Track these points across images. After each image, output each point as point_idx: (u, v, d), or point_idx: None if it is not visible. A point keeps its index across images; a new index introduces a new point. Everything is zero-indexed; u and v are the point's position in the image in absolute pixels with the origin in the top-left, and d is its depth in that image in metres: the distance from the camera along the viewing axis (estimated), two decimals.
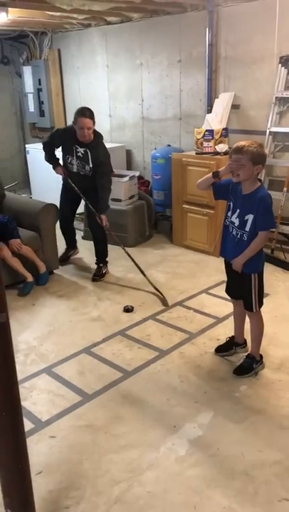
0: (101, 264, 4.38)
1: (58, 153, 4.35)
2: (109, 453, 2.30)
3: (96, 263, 4.41)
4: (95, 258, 4.42)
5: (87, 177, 4.18)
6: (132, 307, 3.71)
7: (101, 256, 4.40)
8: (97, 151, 4.10)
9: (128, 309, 3.69)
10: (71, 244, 4.76)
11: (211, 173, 2.74)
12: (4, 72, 7.21)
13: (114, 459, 2.26)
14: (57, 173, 4.33)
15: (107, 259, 4.44)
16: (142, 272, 4.11)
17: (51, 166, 4.35)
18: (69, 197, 4.43)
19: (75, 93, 6.60)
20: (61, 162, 4.34)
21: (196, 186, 2.87)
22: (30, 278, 4.03)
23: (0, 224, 3.99)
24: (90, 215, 4.30)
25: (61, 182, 4.47)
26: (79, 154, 4.11)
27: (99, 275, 4.31)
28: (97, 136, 4.14)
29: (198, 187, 2.86)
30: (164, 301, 3.82)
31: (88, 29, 6.04)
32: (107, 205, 4.20)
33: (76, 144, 4.08)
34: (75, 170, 4.21)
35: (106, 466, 2.22)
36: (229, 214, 2.74)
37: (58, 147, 4.29)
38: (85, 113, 3.95)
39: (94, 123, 4.02)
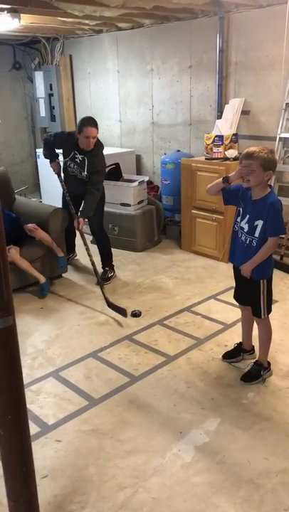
0: (106, 268, 4.40)
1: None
2: (115, 458, 2.29)
3: (102, 267, 4.43)
4: (101, 262, 4.45)
5: (83, 182, 4.23)
6: (140, 312, 3.71)
7: (105, 259, 4.43)
8: (95, 159, 4.16)
9: (136, 314, 3.69)
10: (69, 248, 4.70)
11: (221, 178, 2.74)
12: (16, 78, 7.29)
13: (119, 464, 2.25)
14: (51, 167, 4.42)
15: (113, 263, 4.45)
16: (97, 276, 4.10)
17: (48, 160, 4.43)
18: (70, 200, 4.43)
19: (86, 98, 6.64)
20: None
21: (206, 191, 2.86)
22: (42, 279, 4.04)
23: (11, 220, 4.05)
24: (92, 219, 4.33)
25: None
26: (77, 160, 4.19)
27: (104, 279, 4.33)
28: (98, 146, 4.19)
29: (208, 192, 2.85)
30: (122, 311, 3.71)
31: (99, 35, 6.08)
32: (90, 211, 4.15)
33: (76, 150, 4.16)
34: (72, 173, 4.28)
35: (111, 471, 2.22)
36: (238, 219, 2.73)
37: (57, 148, 4.36)
38: (91, 123, 4.05)
39: (98, 132, 4.11)
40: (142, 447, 2.35)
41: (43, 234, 4.10)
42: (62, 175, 4.39)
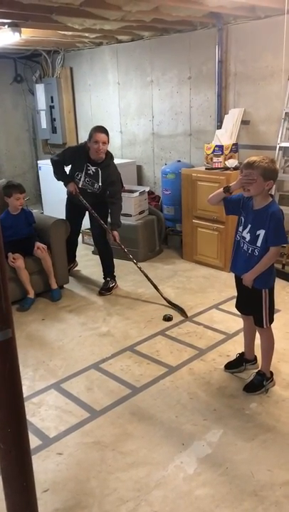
0: (108, 279, 4.39)
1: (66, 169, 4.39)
2: (117, 471, 2.27)
3: (104, 277, 4.43)
4: (103, 273, 4.45)
5: (94, 194, 4.24)
6: (172, 316, 3.76)
7: (107, 270, 4.43)
8: (108, 170, 4.17)
9: (169, 318, 3.74)
10: (70, 258, 4.66)
11: (222, 188, 2.75)
12: (18, 90, 7.35)
13: (121, 478, 2.23)
14: (69, 189, 4.31)
15: (114, 273, 4.46)
16: (156, 288, 4.11)
17: (63, 183, 4.35)
18: (75, 211, 4.47)
19: (87, 110, 6.69)
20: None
21: (207, 201, 2.87)
22: (31, 294, 4.07)
23: (27, 235, 4.13)
24: (95, 230, 4.33)
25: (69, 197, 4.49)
26: (90, 172, 4.16)
27: (105, 289, 4.33)
28: (109, 157, 4.21)
29: (210, 202, 2.85)
30: (183, 313, 3.84)
31: (100, 47, 6.14)
32: (119, 221, 4.25)
33: (88, 162, 4.14)
34: (81, 186, 4.24)
35: (113, 484, 2.19)
36: (240, 229, 2.73)
37: (68, 165, 4.30)
38: (101, 129, 4.06)
39: (108, 141, 4.10)
40: (144, 460, 2.33)
41: (48, 258, 4.13)
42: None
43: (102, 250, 4.44)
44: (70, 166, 4.30)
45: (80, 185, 4.24)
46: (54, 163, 4.33)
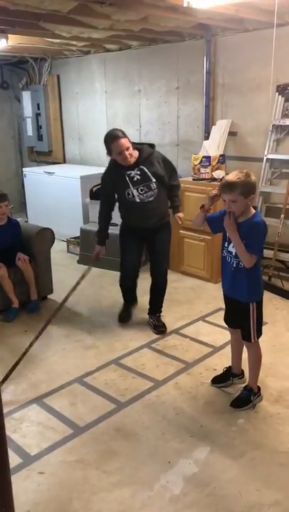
0: (158, 314, 3.83)
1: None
2: (101, 491, 2.19)
3: (158, 314, 3.82)
4: (149, 306, 3.86)
5: (155, 202, 3.46)
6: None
7: (162, 305, 3.85)
8: (157, 162, 3.45)
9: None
10: (132, 300, 4.02)
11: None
12: (3, 97, 7.28)
13: (105, 498, 2.15)
14: (95, 251, 3.72)
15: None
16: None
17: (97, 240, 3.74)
18: (133, 244, 3.71)
19: (74, 118, 6.64)
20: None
21: (192, 225, 2.89)
22: (16, 304, 3.99)
23: (11, 245, 4.05)
24: (162, 261, 3.76)
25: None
26: (135, 179, 3.40)
27: (162, 327, 3.73)
28: (147, 148, 3.48)
29: (194, 225, 2.91)
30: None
31: (87, 56, 6.11)
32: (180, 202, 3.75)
33: (126, 171, 3.39)
34: (138, 200, 3.43)
35: (97, 505, 2.11)
36: (226, 244, 2.69)
37: (113, 193, 3.57)
38: (118, 134, 3.32)
39: (129, 140, 3.35)
40: (129, 479, 2.26)
41: (29, 269, 4.04)
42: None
43: (165, 283, 3.81)
44: (114, 189, 3.54)
45: (138, 200, 3.43)
46: (100, 213, 3.68)
